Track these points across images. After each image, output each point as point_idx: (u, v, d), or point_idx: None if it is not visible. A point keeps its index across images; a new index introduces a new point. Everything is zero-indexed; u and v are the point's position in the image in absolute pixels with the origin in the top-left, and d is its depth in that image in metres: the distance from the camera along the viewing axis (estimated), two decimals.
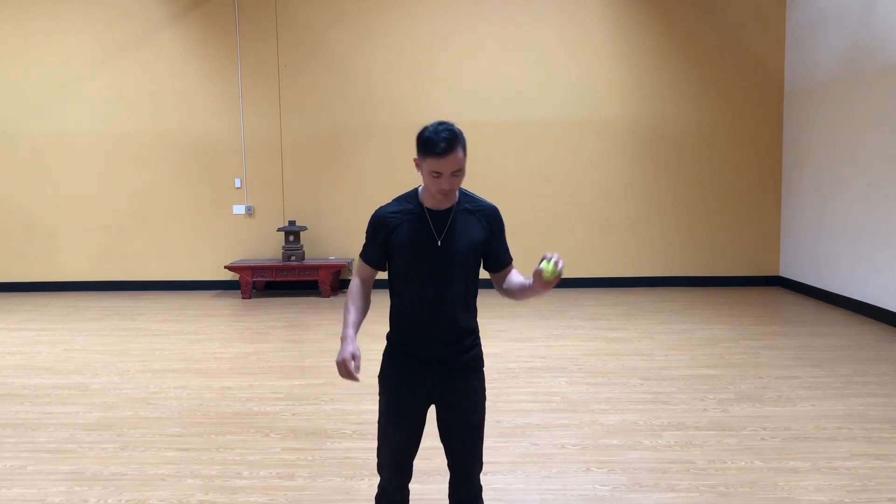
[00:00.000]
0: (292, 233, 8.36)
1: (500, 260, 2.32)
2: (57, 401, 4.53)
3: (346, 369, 2.18)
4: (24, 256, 8.89)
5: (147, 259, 8.83)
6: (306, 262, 8.36)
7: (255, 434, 3.90)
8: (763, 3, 8.38)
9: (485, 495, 2.43)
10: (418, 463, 2.46)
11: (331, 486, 3.24)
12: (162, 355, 5.66)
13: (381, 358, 2.33)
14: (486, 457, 2.43)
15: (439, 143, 2.05)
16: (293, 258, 8.32)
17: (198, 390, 4.71)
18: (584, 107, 8.53)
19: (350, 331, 2.25)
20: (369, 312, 2.35)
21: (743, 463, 3.44)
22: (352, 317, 2.27)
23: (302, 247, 8.41)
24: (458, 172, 2.11)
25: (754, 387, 4.63)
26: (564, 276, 8.56)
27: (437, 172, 2.09)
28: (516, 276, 2.34)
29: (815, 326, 6.42)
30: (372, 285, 2.36)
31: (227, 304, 7.91)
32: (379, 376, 2.32)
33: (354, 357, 2.20)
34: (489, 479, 3.19)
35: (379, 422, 2.32)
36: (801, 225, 8.11)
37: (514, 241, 2.34)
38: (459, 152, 2.08)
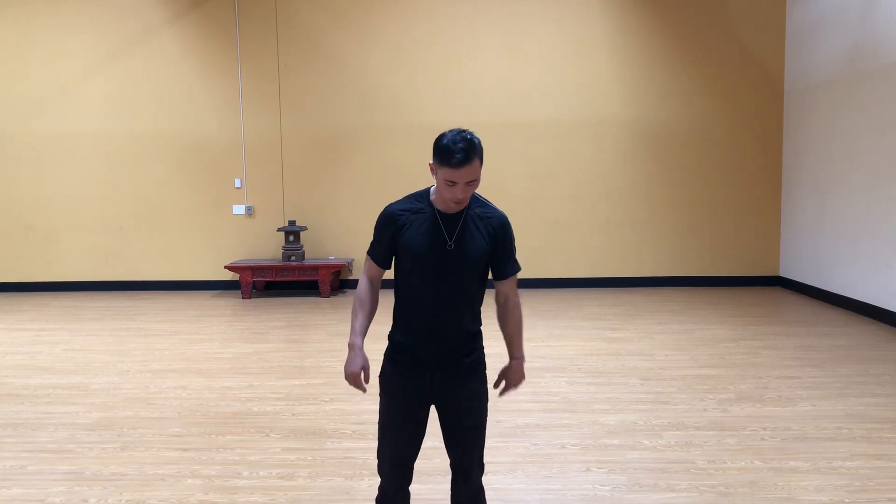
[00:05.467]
0: (292, 233, 8.36)
1: (501, 270, 2.27)
2: (57, 401, 4.52)
3: (356, 381, 2.24)
4: (24, 256, 8.89)
5: (147, 259, 8.84)
6: (306, 262, 8.35)
7: (255, 434, 3.90)
8: (763, 3, 8.39)
9: (485, 495, 2.43)
10: (419, 463, 2.46)
11: (331, 486, 3.24)
12: (162, 355, 5.66)
13: (381, 357, 2.32)
14: (487, 457, 2.43)
15: (456, 153, 2.00)
16: (293, 258, 8.31)
17: (198, 390, 4.71)
18: (584, 107, 8.53)
19: (358, 339, 2.25)
20: None
21: (743, 463, 3.44)
22: (359, 322, 2.26)
23: (302, 247, 8.40)
24: (473, 182, 2.07)
25: (754, 387, 4.63)
26: (565, 276, 8.63)
27: (451, 182, 2.05)
28: (513, 324, 2.31)
29: (815, 326, 6.42)
30: (380, 285, 2.33)
31: (227, 304, 7.91)
32: (379, 376, 2.30)
33: (364, 370, 2.24)
34: (489, 479, 3.19)
35: (379, 423, 2.30)
36: (801, 225, 8.11)
37: (516, 241, 2.32)
38: (476, 163, 2.03)
